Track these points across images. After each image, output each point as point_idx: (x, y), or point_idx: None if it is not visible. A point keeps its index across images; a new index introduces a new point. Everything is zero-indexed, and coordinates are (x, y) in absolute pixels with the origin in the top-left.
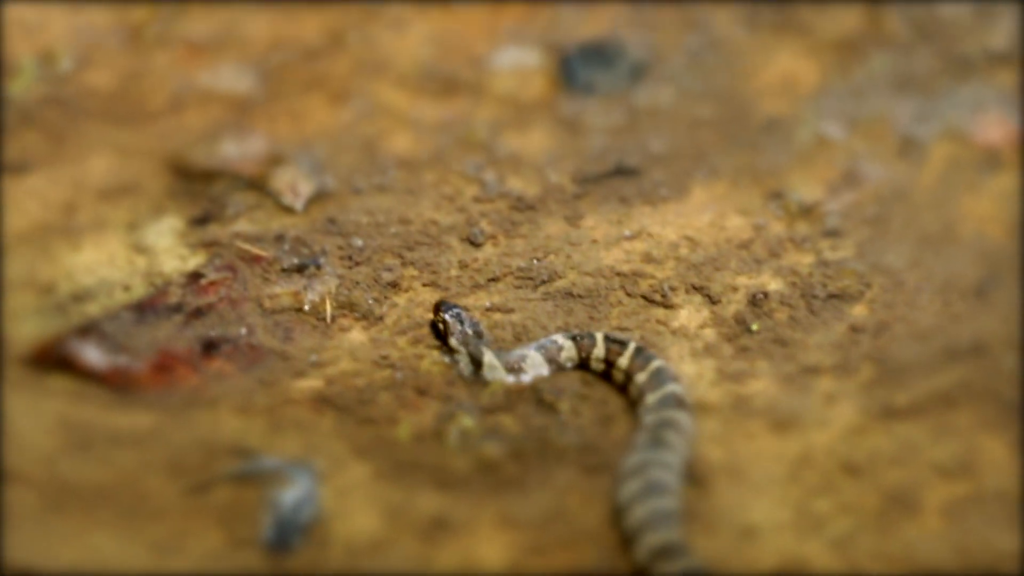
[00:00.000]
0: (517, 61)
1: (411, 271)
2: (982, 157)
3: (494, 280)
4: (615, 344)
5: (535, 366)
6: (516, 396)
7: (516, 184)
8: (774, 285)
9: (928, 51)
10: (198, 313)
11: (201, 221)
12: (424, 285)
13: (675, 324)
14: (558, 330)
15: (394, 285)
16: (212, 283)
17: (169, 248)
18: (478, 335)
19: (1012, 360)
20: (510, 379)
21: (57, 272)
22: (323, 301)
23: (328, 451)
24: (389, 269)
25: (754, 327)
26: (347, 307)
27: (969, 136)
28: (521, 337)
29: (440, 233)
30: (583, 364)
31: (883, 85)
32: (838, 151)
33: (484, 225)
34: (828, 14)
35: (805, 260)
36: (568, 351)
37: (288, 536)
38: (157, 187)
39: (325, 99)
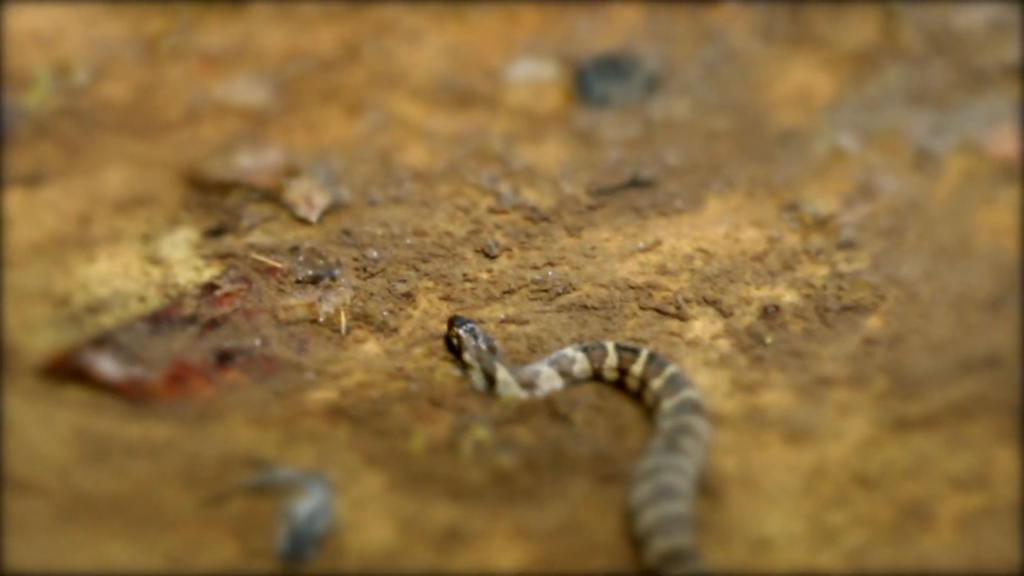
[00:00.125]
0: (532, 73)
1: (426, 283)
2: (997, 170)
3: (509, 292)
4: (627, 352)
5: (548, 380)
6: (530, 408)
7: (531, 196)
8: (789, 297)
9: (943, 64)
10: (213, 324)
11: (216, 233)
12: (439, 297)
13: (689, 336)
14: (572, 342)
15: (409, 297)
16: (227, 294)
17: (184, 260)
18: (492, 350)
19: None
20: (524, 394)
21: (72, 284)
22: (338, 313)
23: (342, 462)
24: (404, 281)
25: (768, 339)
26: (362, 319)
27: (984, 149)
28: (535, 349)
29: (455, 245)
30: (596, 375)
31: (898, 98)
32: (853, 163)
33: (499, 237)
34: (843, 27)
35: (820, 272)
36: (581, 363)
37: (302, 547)
38: (172, 199)
39: (340, 111)
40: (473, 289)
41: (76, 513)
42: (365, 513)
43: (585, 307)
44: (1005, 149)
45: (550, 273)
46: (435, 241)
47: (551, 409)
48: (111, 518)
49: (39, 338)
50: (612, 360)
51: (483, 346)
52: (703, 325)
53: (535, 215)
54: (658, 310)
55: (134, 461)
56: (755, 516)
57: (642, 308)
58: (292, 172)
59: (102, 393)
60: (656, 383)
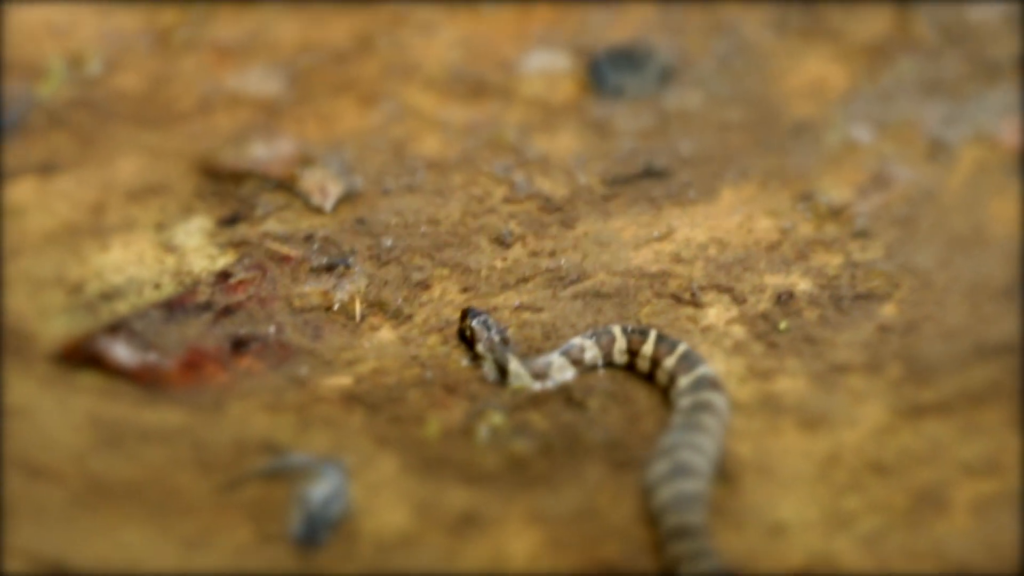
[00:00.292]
0: (546, 64)
1: (440, 271)
2: (1010, 160)
3: (523, 280)
4: (635, 334)
5: (560, 370)
6: (545, 394)
7: (545, 185)
8: (803, 285)
9: (956, 55)
10: (227, 311)
11: (230, 221)
12: (453, 285)
13: (704, 323)
14: (587, 328)
15: (423, 285)
16: (241, 282)
17: (198, 248)
18: (504, 341)
19: None
20: (537, 386)
21: (87, 271)
22: (352, 300)
23: (357, 448)
24: (418, 269)
25: (782, 326)
26: (376, 306)
27: (997, 139)
28: (550, 336)
29: (469, 233)
30: (608, 362)
31: (912, 89)
32: (867, 154)
33: (513, 226)
34: (857, 18)
35: (834, 261)
36: (590, 350)
37: (317, 531)
38: (186, 188)
39: (354, 102)
40: (488, 277)
41: (91, 499)
42: (380, 498)
43: (599, 295)
44: (1018, 139)
45: (564, 261)
46: (449, 230)
47: (566, 395)
48: (126, 503)
49: (54, 325)
50: (621, 343)
51: (496, 337)
52: (718, 312)
53: (549, 204)
54: (673, 297)
55: (149, 447)
56: (770, 501)
57: (657, 296)
58: (306, 161)
59: (117, 379)
60: (669, 361)
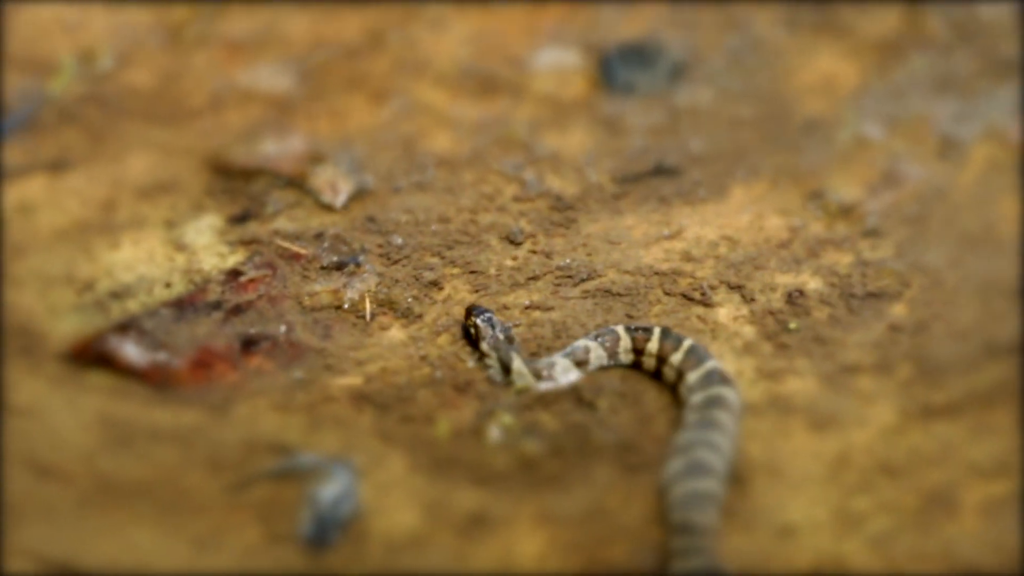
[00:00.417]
0: (557, 61)
1: (451, 269)
2: (1021, 158)
3: (534, 278)
4: (639, 332)
5: (564, 372)
6: (555, 394)
7: (556, 183)
8: (813, 284)
9: (968, 52)
10: (237, 310)
11: (240, 219)
12: (464, 284)
13: (714, 322)
14: (597, 327)
15: (434, 283)
16: (251, 280)
17: (208, 246)
18: (509, 340)
19: None
20: (541, 386)
21: (96, 269)
22: (362, 299)
23: (367, 448)
24: (429, 267)
25: (792, 325)
26: (386, 305)
27: (1008, 137)
28: (560, 335)
29: (480, 232)
30: (614, 362)
31: (923, 86)
32: (878, 151)
33: (523, 224)
34: (868, 15)
35: (844, 260)
36: (595, 351)
37: (327, 532)
38: (196, 185)
39: (365, 98)
40: (498, 276)
41: (100, 498)
42: (389, 498)
43: (610, 293)
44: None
45: (574, 260)
46: (460, 228)
47: (575, 395)
48: (135, 503)
49: (63, 323)
50: (626, 342)
51: (500, 335)
52: (728, 312)
53: (560, 202)
54: (683, 296)
55: (158, 446)
56: (780, 503)
57: (667, 294)
58: (317, 159)
59: (126, 378)
60: (676, 357)
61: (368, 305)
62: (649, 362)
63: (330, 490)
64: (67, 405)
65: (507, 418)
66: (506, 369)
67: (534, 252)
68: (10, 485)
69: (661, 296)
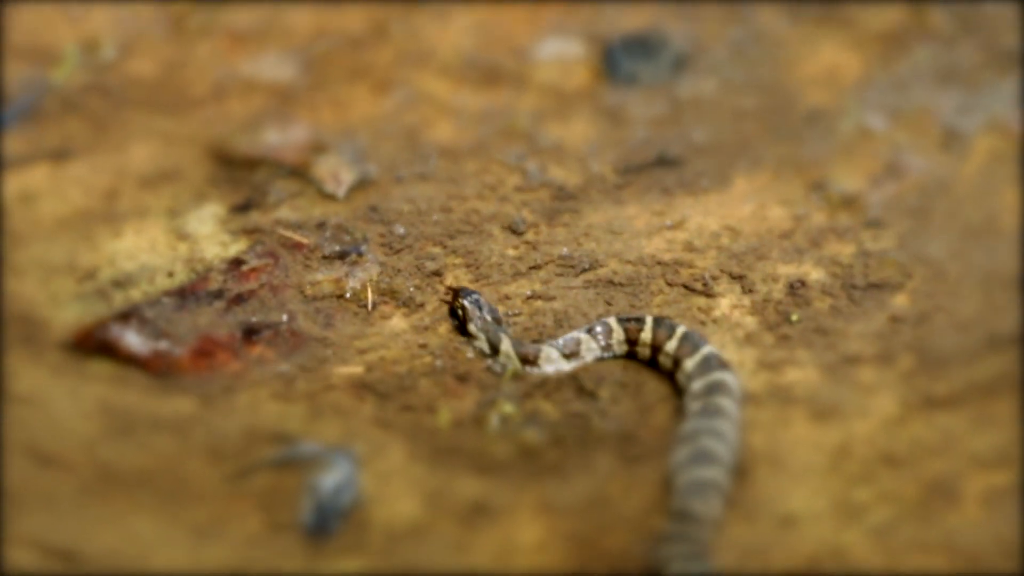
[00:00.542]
0: (560, 52)
1: (453, 259)
2: (1020, 149)
3: (535, 268)
4: (631, 322)
5: (549, 361)
6: (556, 383)
7: (558, 173)
8: (815, 275)
9: (971, 44)
10: (239, 299)
11: (243, 208)
12: (466, 273)
13: (716, 313)
14: (599, 317)
15: (435, 273)
16: (253, 269)
17: (210, 235)
18: (497, 321)
19: None
20: (528, 370)
21: (98, 258)
22: (364, 288)
23: (368, 437)
24: (431, 257)
25: (794, 317)
26: (388, 294)
27: (1011, 129)
28: (563, 324)
29: (482, 221)
30: (608, 353)
31: (926, 78)
32: (880, 143)
33: (526, 214)
34: (871, 7)
35: (846, 250)
36: (586, 343)
37: (328, 521)
38: (199, 174)
39: (368, 88)
40: (500, 265)
41: (101, 487)
42: (390, 487)
43: (612, 283)
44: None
45: (576, 250)
46: (462, 218)
47: (577, 384)
48: (136, 492)
49: (65, 312)
50: (619, 334)
51: (488, 317)
52: (730, 302)
53: (562, 192)
54: (685, 287)
55: (159, 435)
56: (781, 493)
57: (669, 285)
58: (319, 148)
59: (128, 367)
60: (671, 345)
61: (370, 294)
62: (644, 351)
63: (331, 479)
64: (68, 394)
65: (508, 407)
66: (494, 349)
67: (536, 242)
68: (11, 473)
69: (663, 286)
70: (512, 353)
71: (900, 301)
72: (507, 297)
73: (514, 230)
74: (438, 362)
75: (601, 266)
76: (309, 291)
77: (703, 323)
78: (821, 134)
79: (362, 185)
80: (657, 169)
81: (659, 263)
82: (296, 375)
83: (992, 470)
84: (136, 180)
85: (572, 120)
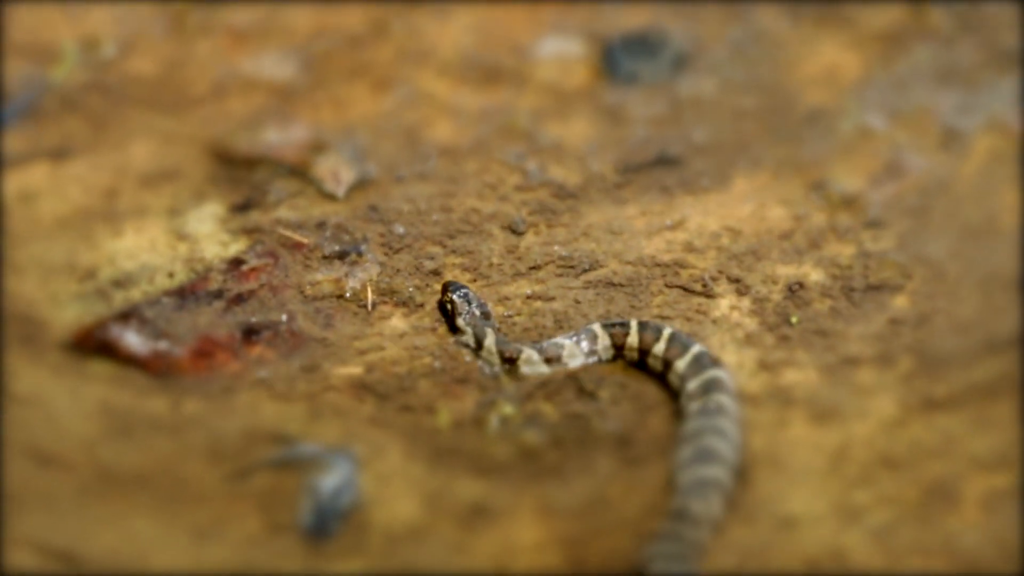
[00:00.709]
0: (560, 50)
1: (452, 259)
2: (1021, 149)
3: (535, 268)
4: (616, 327)
5: (531, 363)
6: (556, 384)
7: (558, 173)
8: (815, 276)
9: (971, 44)
10: (239, 299)
11: (242, 208)
12: (465, 273)
13: (716, 314)
14: (599, 318)
15: (435, 273)
16: (253, 269)
17: (210, 234)
18: (486, 316)
19: None
20: (499, 370)
21: (98, 257)
22: (364, 288)
23: (368, 438)
24: (430, 257)
25: (793, 319)
26: (388, 294)
27: (1011, 128)
28: (562, 324)
29: (482, 221)
30: (596, 359)
31: (926, 77)
32: (880, 142)
33: (525, 214)
34: (871, 7)
35: (846, 251)
36: (570, 349)
37: (327, 522)
38: (199, 173)
39: (368, 87)
40: (499, 265)
41: (100, 488)
42: (390, 488)
43: (611, 284)
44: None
45: (575, 250)
46: (462, 217)
47: (577, 385)
48: (136, 492)
49: (65, 312)
50: (604, 340)
51: (477, 311)
52: (729, 303)
53: (562, 192)
54: (684, 288)
55: (159, 435)
56: (780, 494)
57: (668, 286)
58: (319, 148)
59: (128, 367)
60: (659, 347)
61: (370, 294)
62: (632, 355)
63: (330, 480)
64: (68, 394)
65: (508, 408)
66: (480, 345)
67: (536, 242)
68: (11, 474)
69: (663, 287)
70: (494, 350)
71: (900, 302)
72: (507, 297)
73: (514, 230)
74: (437, 363)
75: (601, 266)
76: (309, 291)
77: (702, 323)
78: (821, 134)
79: (362, 184)
80: (657, 169)
81: (659, 264)
82: (296, 375)
83: (992, 472)
84: (136, 179)
85: (572, 119)
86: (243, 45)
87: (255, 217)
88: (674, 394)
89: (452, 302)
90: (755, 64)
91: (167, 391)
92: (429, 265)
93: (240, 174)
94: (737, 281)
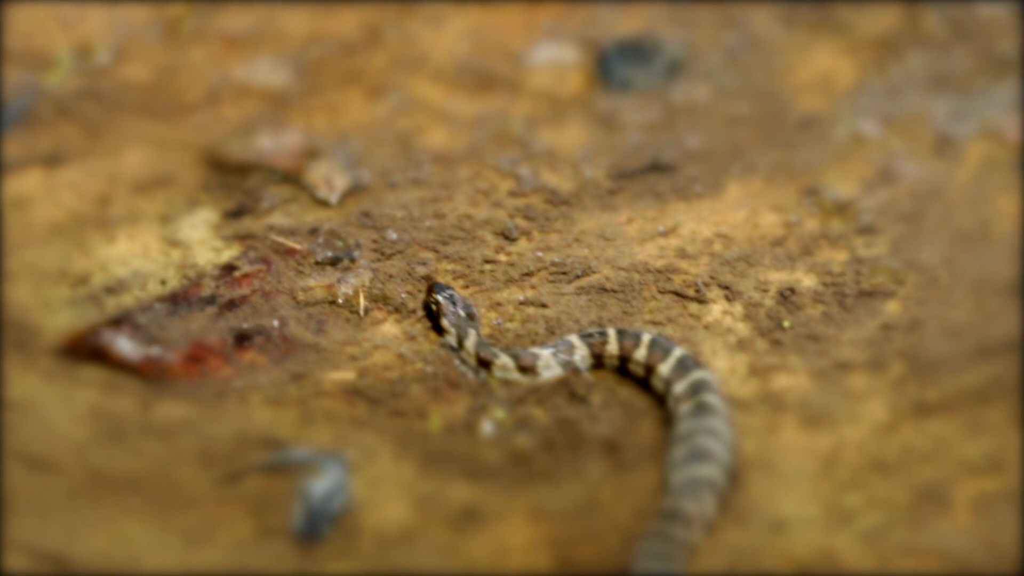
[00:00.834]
0: (554, 57)
1: (445, 265)
2: (1017, 156)
3: (528, 274)
4: (595, 337)
5: (506, 370)
6: (548, 389)
7: (551, 179)
8: (807, 282)
9: (965, 50)
10: (231, 305)
11: (235, 214)
12: (458, 279)
13: (708, 319)
14: (591, 324)
15: (428, 279)
16: (246, 275)
17: (203, 240)
18: (471, 317)
19: None
20: (473, 372)
21: (91, 264)
22: (356, 294)
23: (359, 442)
24: (423, 263)
25: (786, 324)
26: (380, 300)
27: (1005, 134)
28: (555, 331)
29: (474, 227)
30: (572, 370)
31: (919, 84)
32: (874, 149)
33: (518, 220)
34: (865, 13)
35: (839, 257)
36: (546, 360)
37: (318, 526)
38: (192, 180)
39: (361, 94)
40: (492, 271)
41: (92, 492)
42: (381, 492)
43: (604, 290)
44: (1019, 135)
45: (568, 256)
46: (455, 223)
47: (569, 390)
48: (127, 497)
49: (57, 317)
50: (582, 351)
51: (462, 312)
52: (722, 309)
53: (555, 198)
54: (677, 294)
55: (151, 440)
56: (772, 498)
57: (661, 292)
58: (312, 154)
59: (120, 373)
60: (640, 353)
61: (362, 300)
62: (612, 363)
63: (322, 484)
64: (60, 399)
65: (499, 412)
66: (460, 344)
67: (529, 248)
68: (3, 478)
69: (655, 293)
70: (472, 351)
71: (892, 308)
72: (499, 303)
73: (507, 236)
74: (430, 368)
75: (594, 272)
76: (301, 297)
77: (694, 329)
78: (814, 140)
79: (355, 191)
80: (650, 175)
81: (651, 270)
82: (287, 381)
83: (983, 476)
84: (129, 185)
85: (565, 126)
86: (237, 52)
87: (248, 223)
88: (659, 399)
89: (437, 303)
90: (749, 70)
91: (159, 396)
92: (422, 271)
93: (233, 180)
94: (729, 287)
